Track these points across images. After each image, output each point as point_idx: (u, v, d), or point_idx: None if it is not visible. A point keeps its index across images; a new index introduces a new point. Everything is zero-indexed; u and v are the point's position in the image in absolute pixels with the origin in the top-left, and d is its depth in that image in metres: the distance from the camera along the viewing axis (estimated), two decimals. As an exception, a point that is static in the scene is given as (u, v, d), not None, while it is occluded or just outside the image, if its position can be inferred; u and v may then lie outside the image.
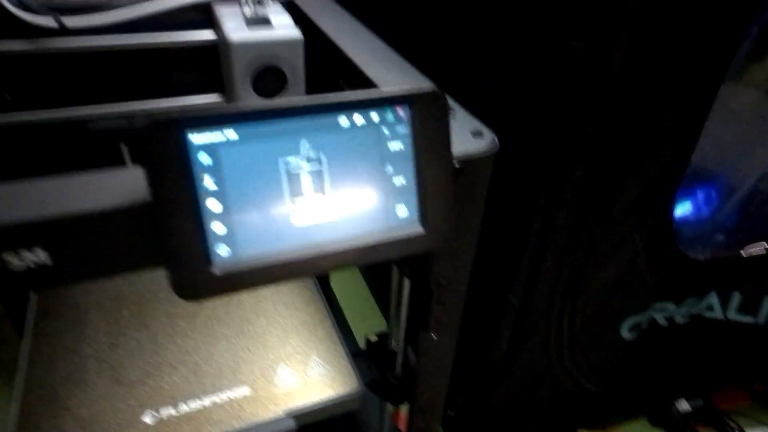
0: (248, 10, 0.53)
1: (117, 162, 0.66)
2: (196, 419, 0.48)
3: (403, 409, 0.55)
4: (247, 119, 0.27)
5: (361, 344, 0.59)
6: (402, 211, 0.31)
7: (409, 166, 0.31)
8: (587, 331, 0.69)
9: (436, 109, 0.29)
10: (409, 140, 0.30)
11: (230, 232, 0.29)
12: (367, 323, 0.56)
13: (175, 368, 0.53)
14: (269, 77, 0.53)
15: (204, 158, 0.27)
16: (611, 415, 0.79)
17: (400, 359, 0.52)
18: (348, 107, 0.28)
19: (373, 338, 0.57)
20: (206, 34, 0.58)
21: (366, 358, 0.55)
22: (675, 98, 0.55)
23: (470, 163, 0.33)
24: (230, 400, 0.50)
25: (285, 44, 0.52)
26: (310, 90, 0.57)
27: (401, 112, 0.30)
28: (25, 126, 0.58)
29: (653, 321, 0.74)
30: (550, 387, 0.72)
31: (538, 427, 0.74)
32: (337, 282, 0.84)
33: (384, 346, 0.55)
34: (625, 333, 0.72)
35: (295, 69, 0.54)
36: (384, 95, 0.29)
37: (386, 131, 0.30)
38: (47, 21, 0.50)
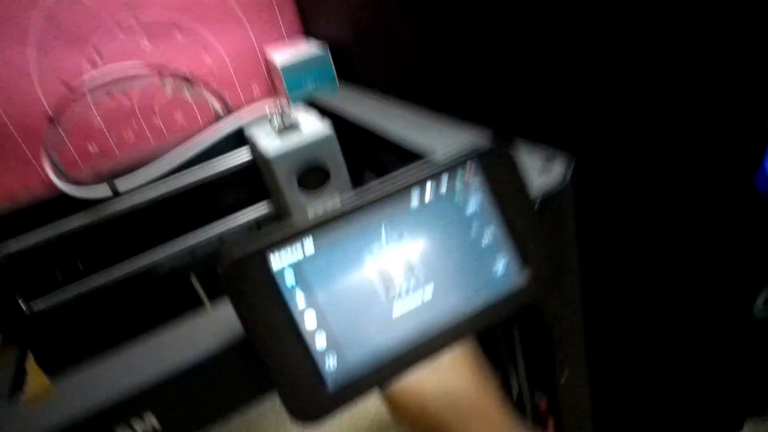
0: (276, 122, 0.54)
1: (192, 294, 0.68)
2: None
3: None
4: (320, 228, 0.26)
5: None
6: (498, 268, 0.29)
7: (492, 223, 0.29)
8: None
9: (503, 161, 0.28)
10: (485, 198, 0.29)
11: (333, 344, 0.27)
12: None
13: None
14: (312, 175, 0.54)
15: (289, 278, 0.26)
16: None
17: (528, 407, 0.48)
18: (418, 183, 0.27)
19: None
20: (243, 155, 0.60)
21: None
22: None
23: (549, 197, 0.31)
24: None
25: (318, 143, 0.53)
26: (353, 171, 0.57)
27: (470, 174, 0.28)
28: (102, 288, 0.61)
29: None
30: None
31: (704, 416, 0.65)
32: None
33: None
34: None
35: (335, 160, 0.54)
36: (448, 162, 0.28)
37: (460, 196, 0.28)
38: (99, 191, 0.53)
